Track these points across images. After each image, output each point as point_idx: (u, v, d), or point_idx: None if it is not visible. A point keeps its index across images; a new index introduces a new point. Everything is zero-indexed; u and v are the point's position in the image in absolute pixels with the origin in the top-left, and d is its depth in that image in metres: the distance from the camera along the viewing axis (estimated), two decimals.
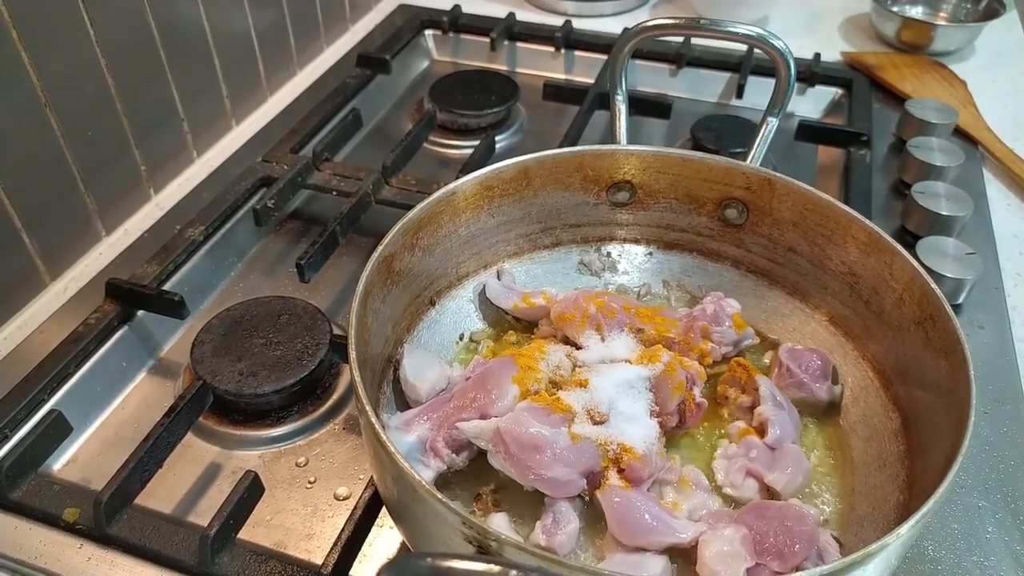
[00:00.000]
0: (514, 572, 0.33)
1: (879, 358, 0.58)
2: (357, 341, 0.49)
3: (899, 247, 0.55)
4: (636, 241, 0.70)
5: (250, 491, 0.54)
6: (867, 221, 0.57)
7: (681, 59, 1.02)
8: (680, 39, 1.07)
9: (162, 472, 0.57)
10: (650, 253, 0.69)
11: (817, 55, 1.03)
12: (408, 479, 0.41)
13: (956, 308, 0.71)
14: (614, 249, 0.70)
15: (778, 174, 0.62)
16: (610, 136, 0.70)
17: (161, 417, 0.58)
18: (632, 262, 0.70)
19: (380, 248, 0.55)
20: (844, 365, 0.60)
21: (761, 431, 0.55)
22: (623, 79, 0.70)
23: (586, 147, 0.65)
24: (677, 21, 0.66)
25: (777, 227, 0.63)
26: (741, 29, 0.63)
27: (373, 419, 0.43)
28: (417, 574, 0.33)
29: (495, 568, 0.33)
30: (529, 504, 0.52)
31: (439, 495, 0.40)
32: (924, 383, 0.52)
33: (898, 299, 0.55)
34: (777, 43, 0.62)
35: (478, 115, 0.96)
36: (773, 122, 0.66)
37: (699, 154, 0.64)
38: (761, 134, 0.67)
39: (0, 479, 0.55)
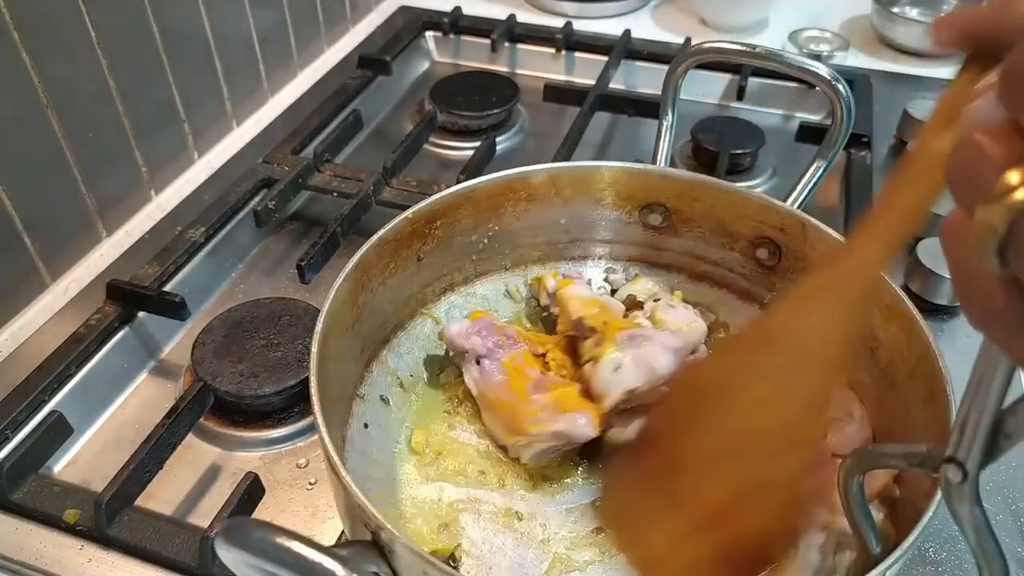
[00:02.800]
0: (343, 572, 0.33)
1: (888, 430, 0.54)
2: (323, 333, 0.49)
3: (919, 316, 0.51)
4: (667, 267, 0.67)
5: (251, 492, 0.54)
6: (895, 285, 0.53)
7: None
8: (680, 40, 1.08)
9: (163, 473, 0.57)
10: (679, 282, 0.67)
11: (816, 57, 1.03)
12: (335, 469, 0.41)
13: (956, 309, 0.71)
14: (642, 271, 0.68)
15: (812, 219, 0.58)
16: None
17: (162, 418, 0.58)
18: (658, 287, 0.67)
19: (380, 232, 0.55)
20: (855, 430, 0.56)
21: None
22: (676, 99, 0.68)
23: (620, 164, 0.64)
24: (737, 47, 0.63)
25: (808, 275, 0.60)
26: (803, 64, 0.60)
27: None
28: (251, 544, 0.33)
29: (326, 560, 0.33)
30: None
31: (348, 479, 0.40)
32: None
33: (911, 372, 0.51)
34: (840, 86, 0.59)
35: (479, 116, 0.96)
36: (823, 165, 0.63)
37: (735, 186, 0.62)
38: (807, 175, 0.64)
39: (1, 480, 0.55)
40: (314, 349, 0.47)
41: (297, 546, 0.33)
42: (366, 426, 0.55)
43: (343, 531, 0.52)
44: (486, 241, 0.64)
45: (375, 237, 0.55)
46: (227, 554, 0.34)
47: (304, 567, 0.33)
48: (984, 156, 0.23)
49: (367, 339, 0.57)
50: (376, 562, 0.38)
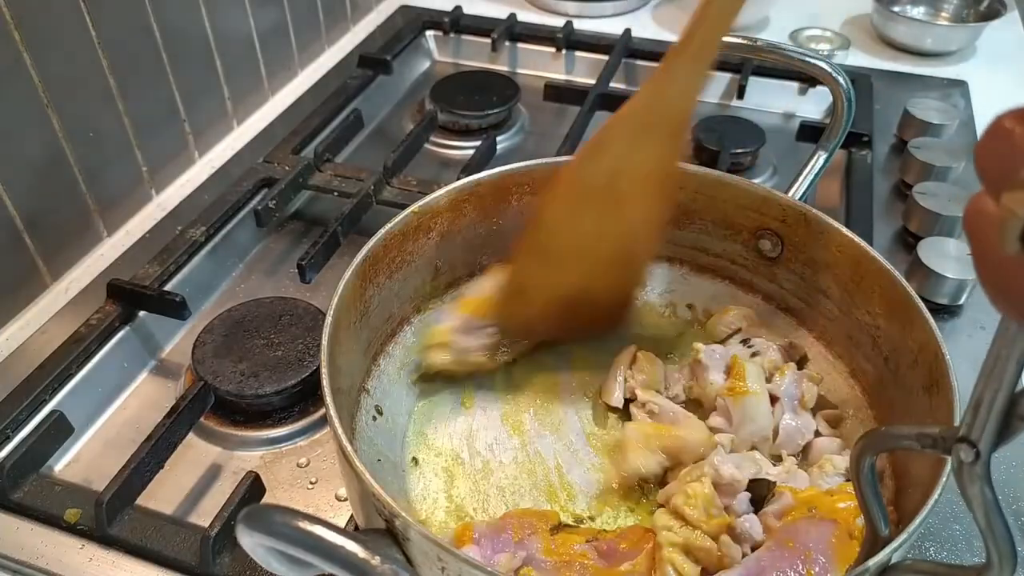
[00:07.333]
0: (364, 554, 0.33)
1: (889, 418, 0.54)
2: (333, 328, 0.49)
3: (921, 304, 0.50)
4: (669, 260, 0.67)
5: (251, 492, 0.54)
6: (896, 272, 0.53)
7: None
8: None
9: (163, 473, 0.57)
10: (682, 274, 0.67)
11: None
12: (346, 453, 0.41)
13: (957, 309, 0.71)
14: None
15: (814, 210, 0.58)
16: None
17: (163, 418, 0.58)
18: (662, 280, 0.67)
19: (388, 226, 0.56)
20: (857, 420, 0.57)
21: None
22: None
23: None
24: (738, 40, 0.62)
25: (810, 266, 0.60)
26: (804, 56, 0.60)
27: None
28: (273, 529, 0.34)
29: (348, 543, 0.34)
30: None
31: (362, 467, 0.40)
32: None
33: (913, 360, 0.51)
34: (839, 77, 0.59)
35: (479, 116, 0.96)
36: (823, 156, 0.64)
37: (737, 178, 0.62)
38: (808, 167, 0.64)
39: (2, 480, 0.55)
40: (324, 342, 0.47)
41: (320, 529, 0.34)
42: (374, 418, 0.55)
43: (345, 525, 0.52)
44: (491, 236, 0.64)
45: (382, 231, 0.56)
46: (248, 539, 0.34)
47: (326, 550, 0.34)
48: (1012, 143, 0.24)
49: (374, 333, 0.57)
50: (391, 549, 0.38)
